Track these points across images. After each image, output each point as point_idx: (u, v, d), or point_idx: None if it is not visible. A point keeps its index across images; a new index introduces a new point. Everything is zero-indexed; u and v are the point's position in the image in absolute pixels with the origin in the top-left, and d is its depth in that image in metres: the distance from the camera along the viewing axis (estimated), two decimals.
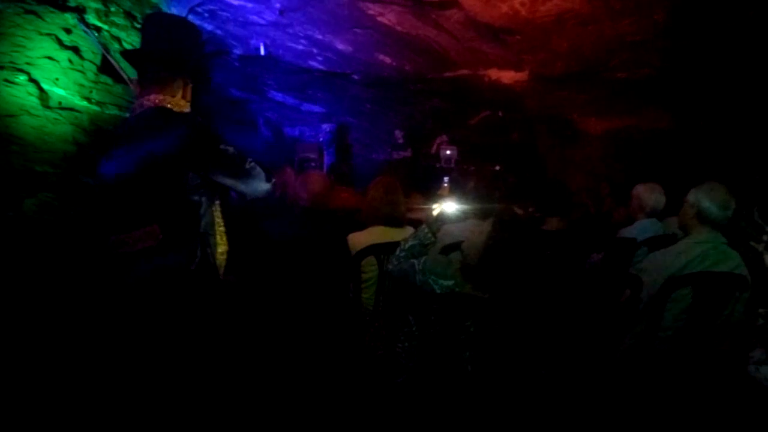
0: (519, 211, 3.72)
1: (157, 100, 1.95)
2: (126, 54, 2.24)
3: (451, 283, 1.97)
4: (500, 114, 7.66)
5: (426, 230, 2.34)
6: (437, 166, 6.81)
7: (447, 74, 7.09)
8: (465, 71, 6.92)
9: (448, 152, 6.79)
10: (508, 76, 6.62)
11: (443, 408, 1.96)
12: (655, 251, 2.52)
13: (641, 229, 3.29)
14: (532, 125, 7.26)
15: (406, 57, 6.69)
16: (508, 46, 5.97)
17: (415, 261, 2.14)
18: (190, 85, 2.15)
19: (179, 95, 2.05)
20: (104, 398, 1.83)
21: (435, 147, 7.17)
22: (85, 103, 4.37)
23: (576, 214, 3.56)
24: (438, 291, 1.98)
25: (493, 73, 6.70)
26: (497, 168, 6.68)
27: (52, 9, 4.23)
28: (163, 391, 1.75)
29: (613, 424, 2.15)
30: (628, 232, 3.30)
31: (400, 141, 7.55)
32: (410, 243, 2.32)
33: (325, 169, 6.94)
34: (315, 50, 6.61)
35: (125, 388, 1.74)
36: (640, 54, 5.26)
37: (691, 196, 2.36)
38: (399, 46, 6.42)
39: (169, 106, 1.96)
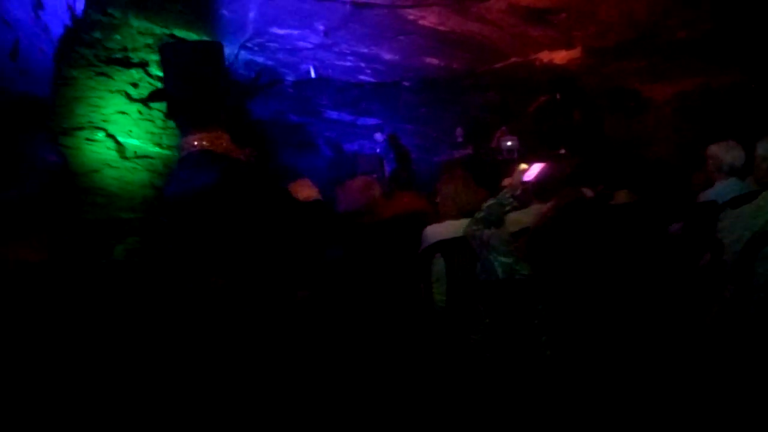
0: (588, 192, 3.60)
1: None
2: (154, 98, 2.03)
3: (510, 260, 1.96)
4: (558, 96, 7.44)
5: (507, 193, 2.36)
6: (499, 158, 6.71)
7: (497, 65, 7.00)
8: (515, 59, 6.80)
9: (509, 143, 6.67)
10: (560, 56, 6.44)
11: (528, 397, 1.94)
12: (733, 210, 2.36)
13: (722, 190, 3.07)
14: (594, 102, 7.00)
15: (453, 55, 6.68)
16: (556, 26, 5.82)
17: (485, 233, 2.16)
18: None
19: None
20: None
21: (495, 140, 7.07)
22: (157, 149, 4.69)
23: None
24: (499, 271, 1.97)
25: (545, 56, 6.54)
26: (562, 152, 6.47)
27: (119, 68, 4.59)
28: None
29: (711, 397, 2.02)
30: (708, 195, 3.10)
31: (460, 139, 7.51)
32: (490, 202, 2.35)
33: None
34: (363, 64, 6.74)
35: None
36: (697, 9, 4.97)
37: (761, 149, 2.22)
38: (444, 46, 6.42)
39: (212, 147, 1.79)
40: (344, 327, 2.59)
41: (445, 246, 2.70)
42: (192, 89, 1.80)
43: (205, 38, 4.93)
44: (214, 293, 1.69)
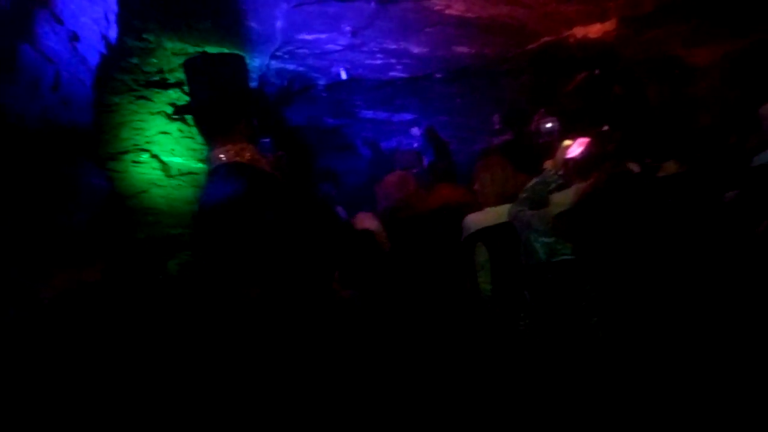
0: (634, 167, 3.48)
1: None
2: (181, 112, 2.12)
3: (551, 240, 1.92)
4: (597, 72, 7.19)
5: (551, 171, 2.33)
6: (540, 141, 6.54)
7: (530, 47, 6.84)
8: (548, 38, 6.63)
9: (548, 125, 6.46)
10: (594, 30, 6.24)
11: (581, 381, 1.88)
12: None
13: None
14: (634, 74, 6.74)
15: (484, 41, 6.56)
16: None
17: (527, 214, 2.15)
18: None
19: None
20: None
21: (534, 123, 6.90)
22: (199, 164, 4.81)
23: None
24: (541, 252, 1.93)
25: (578, 32, 6.35)
26: (605, 128, 6.26)
27: (157, 90, 4.74)
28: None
29: None
30: (763, 158, 2.93)
31: (497, 126, 7.37)
32: (533, 182, 2.34)
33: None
34: (393, 60, 6.71)
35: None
36: None
37: None
38: (474, 33, 6.32)
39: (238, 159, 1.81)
40: (392, 324, 2.59)
41: (486, 234, 2.66)
42: (214, 101, 1.84)
43: (235, 52, 5.02)
44: (251, 304, 1.72)
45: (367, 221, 2.07)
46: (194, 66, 1.92)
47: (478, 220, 2.79)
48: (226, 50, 5.04)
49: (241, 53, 5.17)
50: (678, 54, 6.19)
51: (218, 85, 1.79)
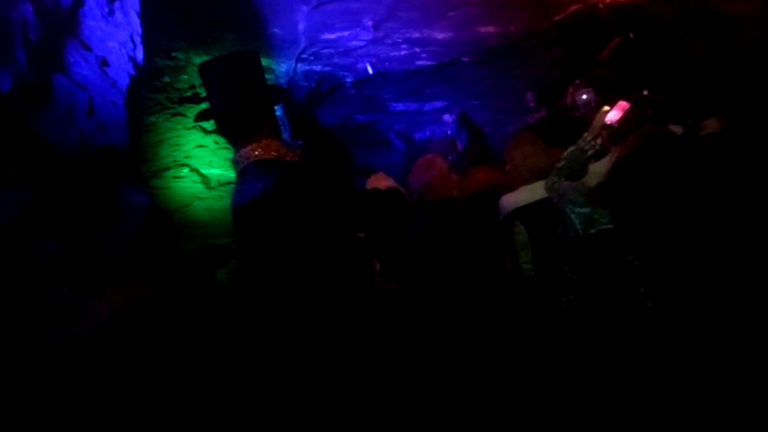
0: (676, 129, 3.33)
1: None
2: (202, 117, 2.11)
3: (587, 210, 1.86)
4: (631, 36, 6.92)
5: (588, 138, 2.27)
6: (577, 115, 6.34)
7: (557, 18, 6.64)
8: (575, 6, 6.42)
9: (584, 96, 6.25)
10: None
11: (632, 356, 1.81)
12: None
13: None
14: (671, 33, 6.44)
15: (508, 18, 6.42)
16: None
17: (562, 184, 2.10)
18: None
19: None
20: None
21: (569, 96, 6.70)
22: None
23: None
24: (577, 223, 1.86)
25: None
26: (645, 93, 6.01)
27: (191, 105, 4.86)
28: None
29: None
30: None
31: (531, 104, 7.22)
32: (570, 149, 2.28)
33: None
34: (418, 49, 6.65)
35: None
36: None
37: None
38: (497, 11, 6.19)
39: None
40: (436, 314, 2.57)
41: (523, 212, 2.61)
42: (233, 100, 1.84)
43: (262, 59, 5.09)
44: (297, 297, 1.73)
45: (382, 180, 1.97)
46: (208, 69, 1.90)
47: (513, 199, 2.73)
48: None
49: (266, 59, 5.24)
50: (715, 8, 5.87)
51: (234, 85, 1.79)
